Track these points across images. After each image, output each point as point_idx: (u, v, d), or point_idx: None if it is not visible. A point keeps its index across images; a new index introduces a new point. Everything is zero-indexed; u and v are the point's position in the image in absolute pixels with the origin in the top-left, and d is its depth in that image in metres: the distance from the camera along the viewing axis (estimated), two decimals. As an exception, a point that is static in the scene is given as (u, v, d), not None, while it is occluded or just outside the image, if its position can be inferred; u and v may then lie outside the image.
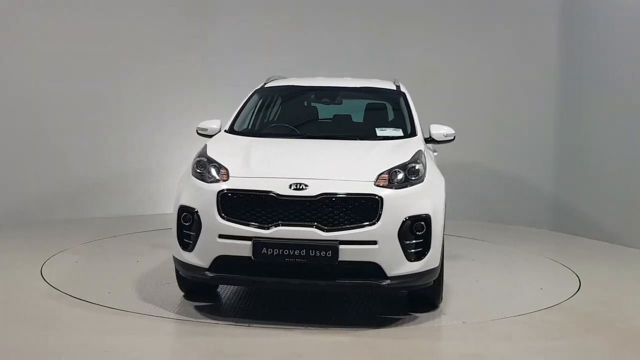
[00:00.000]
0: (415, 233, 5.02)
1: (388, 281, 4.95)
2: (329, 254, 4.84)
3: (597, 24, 8.81)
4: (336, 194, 4.93)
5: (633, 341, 5.11)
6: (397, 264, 4.95)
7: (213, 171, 5.19)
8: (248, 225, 4.93)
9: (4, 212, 8.56)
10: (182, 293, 5.80)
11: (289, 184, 4.97)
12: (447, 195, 5.49)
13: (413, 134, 5.99)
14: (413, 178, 5.17)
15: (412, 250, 5.00)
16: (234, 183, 5.07)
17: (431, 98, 8.96)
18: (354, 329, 5.09)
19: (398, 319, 5.35)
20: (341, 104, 6.77)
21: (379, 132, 6.06)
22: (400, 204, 5.00)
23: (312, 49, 9.84)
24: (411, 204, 5.05)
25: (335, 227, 4.89)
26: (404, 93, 6.53)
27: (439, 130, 6.06)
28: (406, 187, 5.11)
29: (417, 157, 5.37)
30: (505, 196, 9.70)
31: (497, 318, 5.47)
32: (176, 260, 5.29)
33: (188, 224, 5.13)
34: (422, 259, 5.04)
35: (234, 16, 9.84)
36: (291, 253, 4.87)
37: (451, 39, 9.87)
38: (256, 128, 6.33)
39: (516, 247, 8.14)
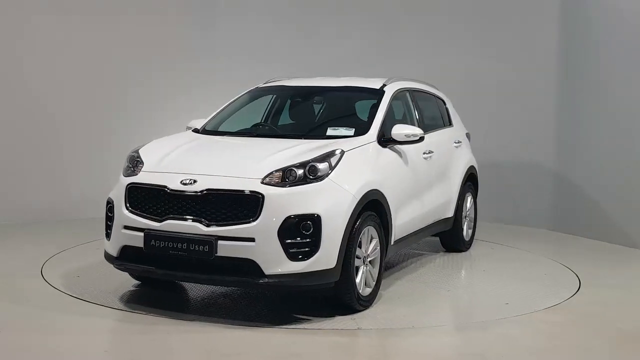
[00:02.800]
0: (302, 232, 4.94)
1: (266, 279, 4.91)
2: (206, 248, 4.92)
3: (597, 24, 8.81)
4: (219, 189, 5.00)
5: (633, 341, 5.11)
6: (277, 263, 4.89)
7: (131, 166, 5.50)
8: (144, 217, 5.16)
9: (4, 212, 8.56)
10: (183, 293, 5.84)
11: (181, 179, 5.11)
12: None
13: (363, 133, 5.85)
14: (311, 177, 5.08)
15: (296, 250, 4.92)
16: (140, 177, 5.33)
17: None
18: (354, 329, 5.09)
19: (398, 319, 5.36)
20: (320, 103, 6.78)
21: (330, 131, 6.01)
22: (284, 202, 4.93)
23: (314, 50, 9.84)
24: (299, 202, 4.96)
25: (216, 223, 4.95)
26: (383, 92, 6.39)
27: (400, 131, 5.93)
28: (299, 185, 5.03)
29: (326, 156, 5.22)
30: (505, 196, 9.70)
31: (497, 318, 5.47)
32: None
33: (110, 215, 5.46)
34: (308, 259, 4.94)
35: (236, 19, 9.83)
36: (174, 246, 5.02)
37: (451, 40, 9.87)
38: (228, 128, 6.45)
39: (516, 247, 8.13)
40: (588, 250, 8.17)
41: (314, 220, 4.95)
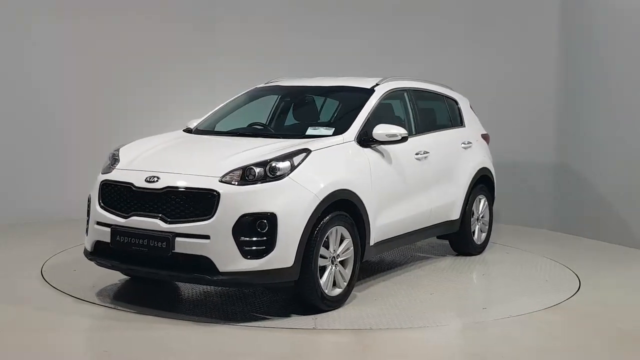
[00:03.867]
0: (257, 231, 4.96)
1: (220, 276, 4.95)
2: (163, 245, 5.00)
3: (597, 24, 8.81)
4: (178, 187, 5.08)
5: (633, 341, 5.11)
6: (231, 260, 4.93)
7: (110, 163, 5.65)
8: (113, 213, 5.30)
9: (4, 211, 8.56)
10: (183, 293, 5.85)
11: (146, 177, 5.22)
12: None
13: (342, 132, 5.85)
14: (271, 176, 5.10)
15: (251, 248, 4.95)
16: (113, 175, 5.48)
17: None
18: (354, 329, 5.09)
19: (398, 319, 5.36)
20: (310, 102, 6.81)
21: (310, 130, 6.04)
22: (240, 201, 4.96)
23: (315, 52, 9.82)
24: (255, 201, 4.98)
25: (175, 220, 5.02)
26: (372, 92, 6.38)
27: (382, 131, 5.89)
28: (257, 184, 5.05)
29: (288, 156, 5.24)
30: (505, 196, 9.68)
31: (497, 318, 5.47)
32: None
33: (88, 211, 5.63)
34: (262, 257, 4.96)
35: (237, 22, 9.82)
36: (136, 242, 5.13)
37: (451, 41, 9.87)
38: (223, 127, 6.52)
39: (516, 247, 8.13)
40: (588, 250, 8.17)
41: (270, 219, 4.97)
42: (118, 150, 5.82)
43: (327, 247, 5.37)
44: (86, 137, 9.19)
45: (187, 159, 5.50)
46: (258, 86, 7.14)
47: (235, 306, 5.52)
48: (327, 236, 5.33)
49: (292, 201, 5.08)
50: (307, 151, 5.36)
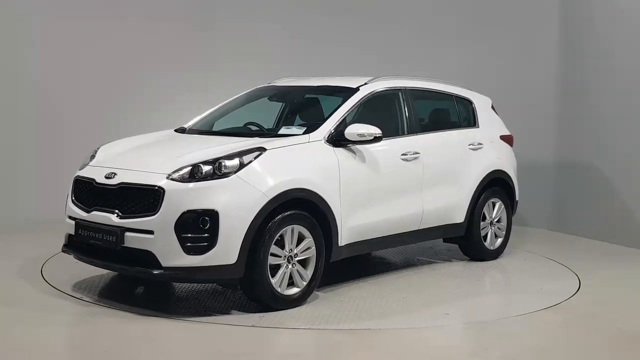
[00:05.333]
0: (199, 227, 5.02)
1: (162, 271, 5.04)
2: (114, 239, 5.17)
3: (597, 24, 8.81)
4: (129, 183, 5.24)
5: (633, 341, 5.11)
6: (173, 256, 5.01)
7: (88, 161, 5.88)
8: (79, 208, 5.53)
9: (5, 211, 8.56)
10: (183, 293, 5.85)
11: (105, 173, 5.43)
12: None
13: (311, 131, 5.85)
14: (218, 173, 5.15)
15: (192, 244, 5.01)
16: (84, 171, 5.74)
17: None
18: (354, 329, 5.09)
19: (398, 319, 5.35)
20: (299, 102, 6.84)
21: (283, 129, 6.11)
22: (183, 197, 5.04)
23: (316, 54, 9.81)
24: (198, 198, 5.05)
25: (127, 215, 5.18)
26: (355, 91, 6.32)
27: (354, 130, 5.85)
28: (202, 181, 5.11)
29: (239, 154, 5.28)
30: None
31: (497, 318, 5.47)
32: None
33: None
34: (204, 253, 5.02)
35: (237, 22, 9.81)
36: (93, 235, 5.36)
37: (451, 42, 9.87)
38: (209, 127, 6.63)
39: (516, 247, 8.12)
40: (588, 250, 8.17)
41: (211, 216, 5.02)
42: (99, 148, 6.06)
43: (284, 247, 5.38)
44: (86, 137, 9.16)
45: (149, 157, 5.65)
46: (259, 87, 7.18)
47: (235, 306, 5.51)
48: (282, 235, 5.34)
49: (237, 199, 5.12)
50: (262, 150, 5.39)
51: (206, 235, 5.02)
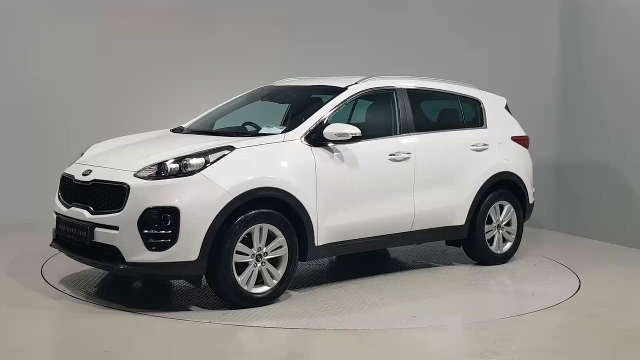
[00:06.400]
0: (161, 224, 5.11)
1: (126, 266, 5.19)
2: (85, 233, 5.35)
3: (598, 24, 8.81)
4: (100, 180, 5.43)
5: (633, 341, 5.11)
6: (136, 251, 5.13)
7: (77, 159, 6.03)
8: (62, 204, 5.73)
9: (5, 211, 8.56)
10: (182, 293, 5.87)
11: (83, 170, 5.65)
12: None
13: (287, 130, 5.88)
14: (184, 171, 5.24)
15: (154, 240, 5.12)
16: (69, 168, 5.92)
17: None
18: (354, 329, 5.09)
19: (398, 319, 5.36)
20: (291, 102, 6.86)
21: (264, 129, 6.17)
22: (146, 194, 5.16)
23: (315, 54, 9.81)
24: (161, 195, 5.15)
25: (98, 211, 5.34)
26: (343, 91, 6.27)
27: (332, 130, 5.83)
28: (166, 179, 5.20)
29: (205, 153, 5.35)
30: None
31: (497, 318, 5.47)
32: None
33: None
34: (165, 250, 5.10)
35: (238, 22, 9.81)
36: (69, 230, 5.57)
37: (451, 43, 9.87)
38: (207, 127, 6.68)
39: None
40: (588, 250, 8.17)
41: (173, 213, 5.11)
42: (89, 147, 6.24)
43: (252, 245, 5.40)
44: (86, 137, 9.14)
45: (126, 155, 5.74)
46: (260, 87, 7.21)
47: (234, 306, 5.52)
48: (250, 233, 5.37)
49: (200, 197, 5.19)
50: (230, 148, 5.45)
51: (168, 232, 5.12)
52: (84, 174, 5.58)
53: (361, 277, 6.47)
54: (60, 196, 5.83)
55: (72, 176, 5.70)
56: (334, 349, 4.77)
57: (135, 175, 5.27)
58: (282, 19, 9.86)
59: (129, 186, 5.20)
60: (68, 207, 5.62)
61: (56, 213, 5.81)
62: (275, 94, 7.04)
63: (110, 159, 5.73)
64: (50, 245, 5.92)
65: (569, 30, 9.33)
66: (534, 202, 7.61)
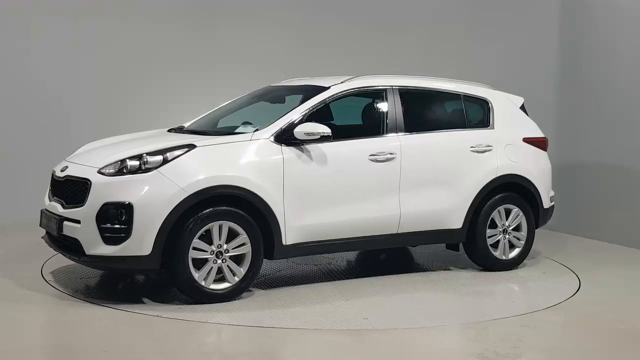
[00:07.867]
0: (117, 219, 5.30)
1: (86, 258, 5.42)
2: (56, 227, 5.59)
3: (598, 23, 8.81)
4: (70, 176, 5.66)
5: (633, 341, 5.11)
6: (94, 244, 5.35)
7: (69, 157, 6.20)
8: (48, 198, 5.99)
9: (5, 211, 8.56)
10: (182, 293, 5.86)
11: (62, 167, 5.89)
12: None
13: (258, 129, 5.90)
14: (143, 168, 5.40)
15: (110, 234, 5.31)
16: (56, 166, 6.08)
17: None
18: (354, 328, 5.09)
19: (398, 319, 5.35)
20: (283, 102, 6.79)
21: (240, 128, 6.22)
22: (105, 190, 5.37)
23: (316, 55, 9.81)
24: (117, 191, 5.34)
25: (68, 205, 5.58)
26: (324, 90, 6.21)
27: (301, 129, 5.80)
28: (124, 175, 5.39)
29: (164, 151, 5.48)
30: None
31: (497, 318, 5.47)
32: None
33: None
34: (119, 244, 5.28)
35: (239, 22, 9.81)
36: (46, 223, 5.85)
37: (450, 44, 9.87)
38: (206, 127, 6.69)
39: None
40: (588, 250, 8.17)
41: (127, 208, 5.28)
42: (83, 146, 6.44)
43: (212, 242, 5.47)
44: (86, 137, 9.13)
45: (101, 153, 5.89)
46: (261, 88, 7.22)
47: (235, 306, 5.52)
48: (210, 230, 5.45)
49: (154, 193, 5.32)
50: (191, 146, 5.55)
51: (123, 226, 5.29)
52: (62, 170, 5.83)
53: (360, 277, 6.47)
54: (49, 191, 6.05)
55: (54, 172, 5.99)
56: (330, 349, 4.77)
57: (98, 172, 5.47)
58: (283, 19, 9.85)
59: (90, 182, 5.42)
60: (50, 202, 5.89)
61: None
62: (272, 94, 7.02)
63: (85, 157, 5.95)
64: (42, 237, 6.11)
65: (569, 30, 9.33)
66: (552, 207, 7.28)
